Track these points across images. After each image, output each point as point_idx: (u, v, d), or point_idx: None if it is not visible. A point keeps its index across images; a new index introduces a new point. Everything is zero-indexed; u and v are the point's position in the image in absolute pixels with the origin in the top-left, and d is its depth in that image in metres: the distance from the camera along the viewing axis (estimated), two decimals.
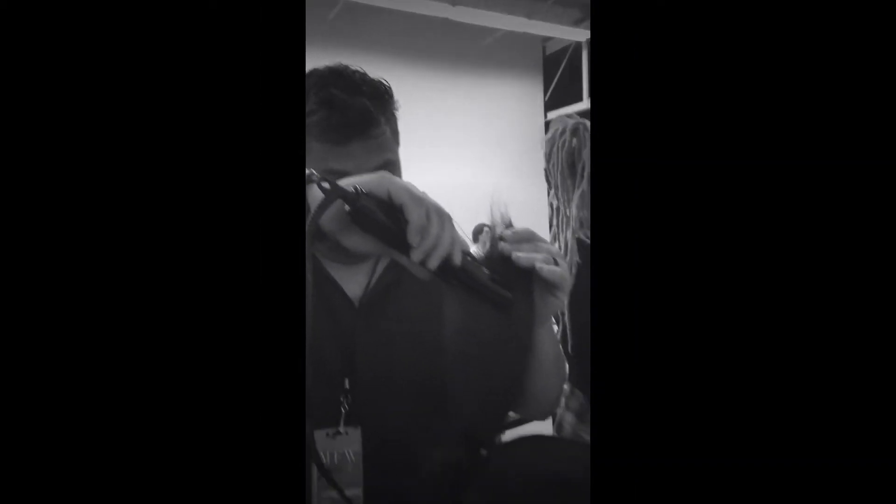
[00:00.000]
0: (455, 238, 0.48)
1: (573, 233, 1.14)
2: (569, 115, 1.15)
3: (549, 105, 4.08)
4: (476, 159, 3.39)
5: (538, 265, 0.54)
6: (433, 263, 0.47)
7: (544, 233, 1.22)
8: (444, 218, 0.47)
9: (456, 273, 0.49)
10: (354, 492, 0.59)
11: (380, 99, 0.62)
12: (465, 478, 0.43)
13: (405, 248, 0.47)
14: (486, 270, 0.51)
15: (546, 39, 3.98)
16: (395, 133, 0.65)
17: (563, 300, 0.59)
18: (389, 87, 0.64)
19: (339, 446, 0.59)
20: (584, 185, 1.14)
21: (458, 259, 0.48)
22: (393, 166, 0.62)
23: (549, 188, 1.18)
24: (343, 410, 0.60)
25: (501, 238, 0.55)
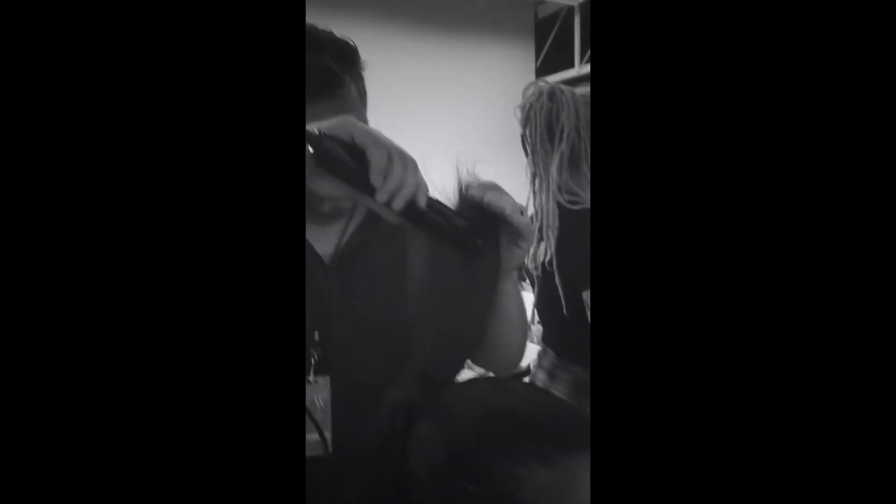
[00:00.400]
0: (420, 181, 0.49)
1: (552, 196, 1.16)
2: (543, 81, 1.16)
3: (541, 71, 4.04)
4: (462, 127, 3.37)
5: (507, 211, 0.55)
6: (398, 204, 0.48)
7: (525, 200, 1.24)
8: (407, 161, 0.49)
9: (424, 216, 0.50)
10: (324, 434, 0.63)
11: (345, 59, 0.63)
12: (418, 415, 0.47)
13: (372, 190, 0.49)
14: (455, 216, 0.53)
15: (538, 3, 3.91)
16: (363, 94, 0.66)
17: (527, 251, 0.61)
18: (356, 47, 0.65)
19: (308, 393, 0.63)
20: (564, 147, 1.15)
21: (423, 201, 0.49)
22: None
23: (527, 154, 1.19)
24: (313, 361, 0.64)
25: (468, 187, 0.57)
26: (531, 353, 1.39)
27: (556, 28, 3.95)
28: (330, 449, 0.63)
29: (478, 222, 0.54)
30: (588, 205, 1.11)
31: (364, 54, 0.67)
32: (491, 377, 0.54)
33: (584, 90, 1.15)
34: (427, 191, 0.50)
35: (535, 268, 1.18)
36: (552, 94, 1.12)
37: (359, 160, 0.48)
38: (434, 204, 0.51)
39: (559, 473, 0.39)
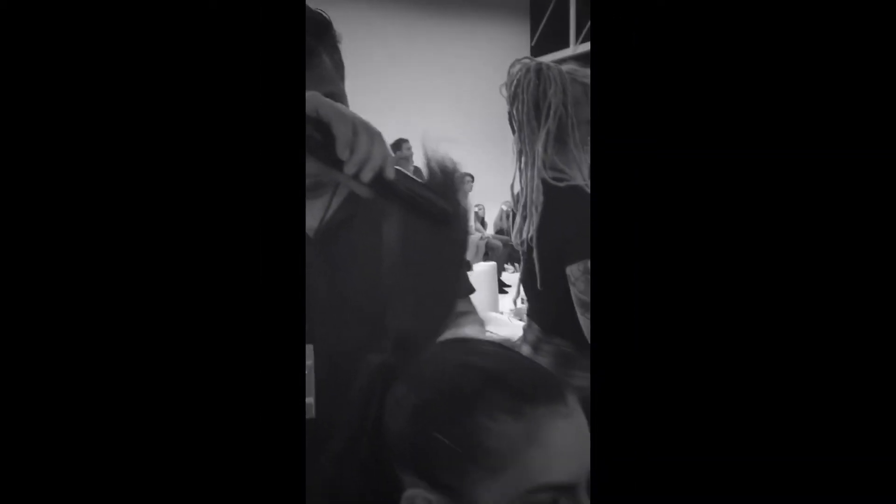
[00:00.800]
0: (387, 153, 0.50)
1: (538, 172, 1.17)
2: (528, 58, 1.17)
3: (536, 51, 4.01)
4: (454, 107, 3.36)
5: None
6: (367, 176, 0.50)
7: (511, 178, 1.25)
8: (373, 134, 0.50)
9: (392, 187, 0.52)
10: (308, 400, 0.66)
11: (318, 31, 0.64)
12: (395, 377, 0.49)
13: (340, 164, 0.50)
14: (423, 187, 0.54)
15: None
16: (339, 65, 0.67)
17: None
18: (329, 20, 0.66)
19: None
20: (551, 124, 1.16)
21: (390, 173, 0.51)
22: (336, 98, 0.65)
23: (514, 132, 1.20)
24: None
25: (436, 160, 0.58)
26: (517, 328, 1.41)
27: (551, 6, 3.91)
28: (313, 414, 0.65)
29: (446, 193, 0.56)
30: (573, 182, 1.12)
31: (349, 31, 0.68)
32: (463, 338, 0.56)
33: (570, 66, 1.15)
34: (394, 162, 0.51)
35: (521, 244, 1.19)
36: (539, 70, 1.13)
37: (325, 135, 0.49)
38: (402, 175, 0.53)
39: (524, 424, 0.41)
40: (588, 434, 0.43)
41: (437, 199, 0.54)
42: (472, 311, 0.77)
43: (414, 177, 0.54)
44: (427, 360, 0.48)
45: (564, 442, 0.41)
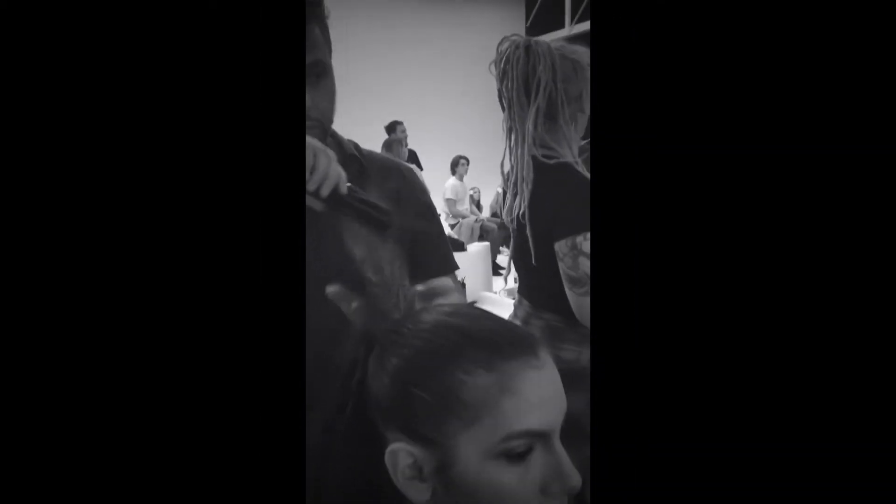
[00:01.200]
0: (341, 172, 0.58)
1: (528, 149, 1.18)
2: (517, 35, 1.17)
3: (531, 31, 3.98)
4: (449, 90, 3.34)
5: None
6: (325, 192, 0.57)
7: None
8: (329, 155, 0.58)
9: (344, 201, 0.60)
10: None
11: (307, 4, 0.65)
12: (378, 342, 0.51)
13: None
14: (368, 199, 0.61)
15: None
16: (326, 36, 0.68)
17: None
18: None
19: None
20: (541, 100, 1.16)
21: (344, 189, 0.59)
22: (322, 67, 0.66)
23: (503, 109, 1.20)
24: None
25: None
26: (510, 306, 1.43)
27: None
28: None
29: (386, 203, 0.64)
30: (562, 159, 1.13)
31: (340, 10, 0.69)
32: (442, 303, 0.58)
33: (559, 43, 1.16)
34: (346, 180, 0.59)
35: (511, 221, 1.20)
36: (528, 47, 1.13)
37: None
38: (353, 191, 0.60)
39: (498, 377, 0.43)
40: (560, 384, 0.45)
41: (376, 211, 0.62)
42: (453, 289, 0.81)
43: (360, 192, 0.62)
44: (406, 322, 0.50)
45: (536, 392, 0.43)
